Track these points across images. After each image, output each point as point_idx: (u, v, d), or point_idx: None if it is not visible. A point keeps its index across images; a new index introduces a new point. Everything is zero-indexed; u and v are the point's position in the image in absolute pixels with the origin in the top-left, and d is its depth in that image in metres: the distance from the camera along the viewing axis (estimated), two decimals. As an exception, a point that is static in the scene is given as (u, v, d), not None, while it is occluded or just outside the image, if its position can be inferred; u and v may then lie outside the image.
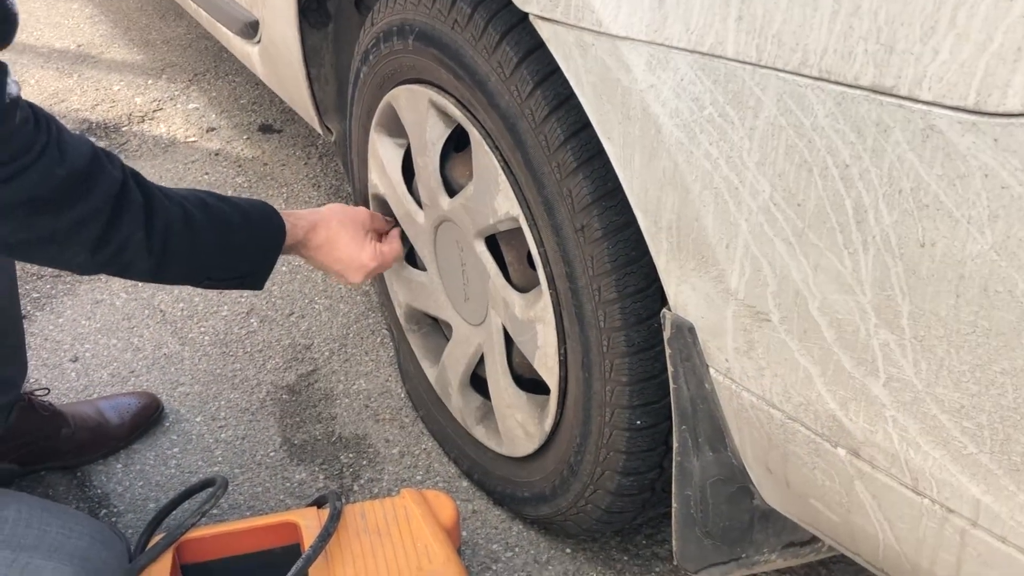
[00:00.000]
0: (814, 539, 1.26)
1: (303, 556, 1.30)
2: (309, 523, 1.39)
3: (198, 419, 1.93)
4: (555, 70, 1.19)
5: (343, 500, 1.41)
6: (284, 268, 2.38)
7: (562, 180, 1.22)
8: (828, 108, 0.84)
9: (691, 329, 1.09)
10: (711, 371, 1.10)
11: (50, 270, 2.39)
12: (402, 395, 1.98)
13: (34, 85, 3.38)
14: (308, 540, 1.34)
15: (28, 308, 2.26)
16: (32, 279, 2.35)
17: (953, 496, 0.88)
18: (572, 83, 1.12)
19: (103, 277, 2.36)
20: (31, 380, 2.02)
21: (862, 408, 0.92)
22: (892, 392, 0.89)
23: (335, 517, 1.36)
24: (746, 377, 1.04)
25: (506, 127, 1.30)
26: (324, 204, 2.62)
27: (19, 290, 2.27)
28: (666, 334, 1.13)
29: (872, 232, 0.84)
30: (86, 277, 2.37)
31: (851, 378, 0.92)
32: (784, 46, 0.86)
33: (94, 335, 2.18)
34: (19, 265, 2.38)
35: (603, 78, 1.06)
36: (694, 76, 0.95)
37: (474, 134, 1.39)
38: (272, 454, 1.85)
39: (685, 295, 1.08)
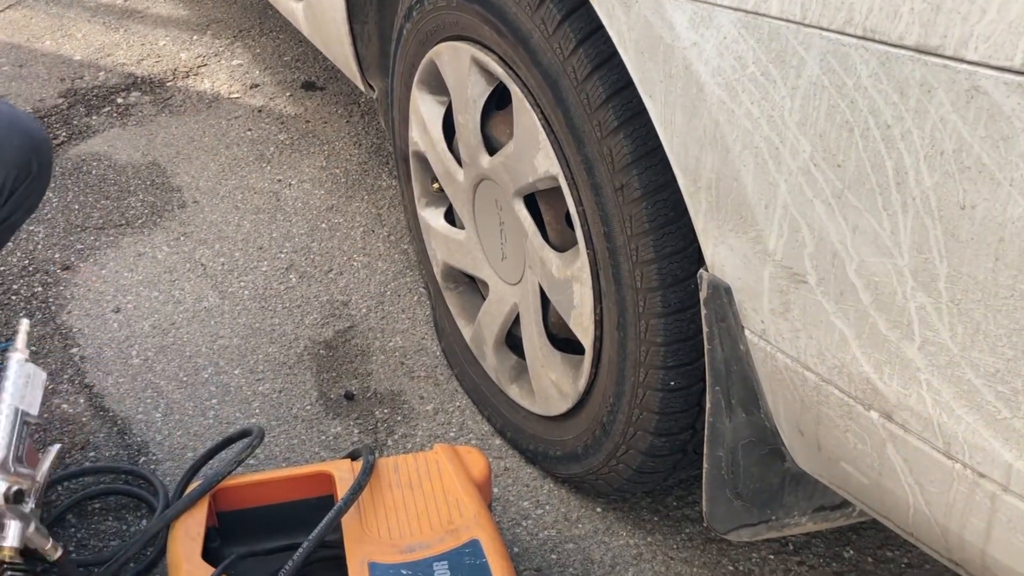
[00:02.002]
0: (844, 503, 1.26)
1: (335, 507, 1.32)
2: (343, 475, 1.40)
3: (236, 372, 1.96)
4: (598, 28, 1.19)
5: (376, 454, 1.42)
6: (324, 226, 2.40)
7: (603, 139, 1.22)
8: (871, 68, 0.83)
9: (727, 290, 1.09)
10: (746, 332, 1.10)
11: (93, 222, 2.42)
12: (437, 353, 1.99)
13: (80, 39, 3.41)
14: (342, 491, 1.36)
15: (72, 259, 2.29)
16: (76, 231, 2.38)
17: (985, 461, 0.88)
18: (615, 41, 1.12)
19: (146, 229, 2.39)
20: (74, 330, 2.05)
21: (896, 371, 0.92)
22: (927, 356, 0.89)
23: (368, 470, 1.38)
24: (781, 339, 1.05)
25: (548, 85, 1.30)
26: (365, 162, 2.64)
27: (64, 242, 2.31)
28: (702, 295, 1.14)
29: (912, 194, 0.84)
30: (129, 229, 2.40)
31: (886, 341, 0.92)
32: (829, 4, 0.85)
33: (136, 287, 2.21)
34: (64, 217, 2.42)
35: (646, 36, 1.05)
36: (737, 34, 0.95)
37: (515, 92, 1.39)
38: (308, 408, 1.87)
39: (722, 256, 1.08)
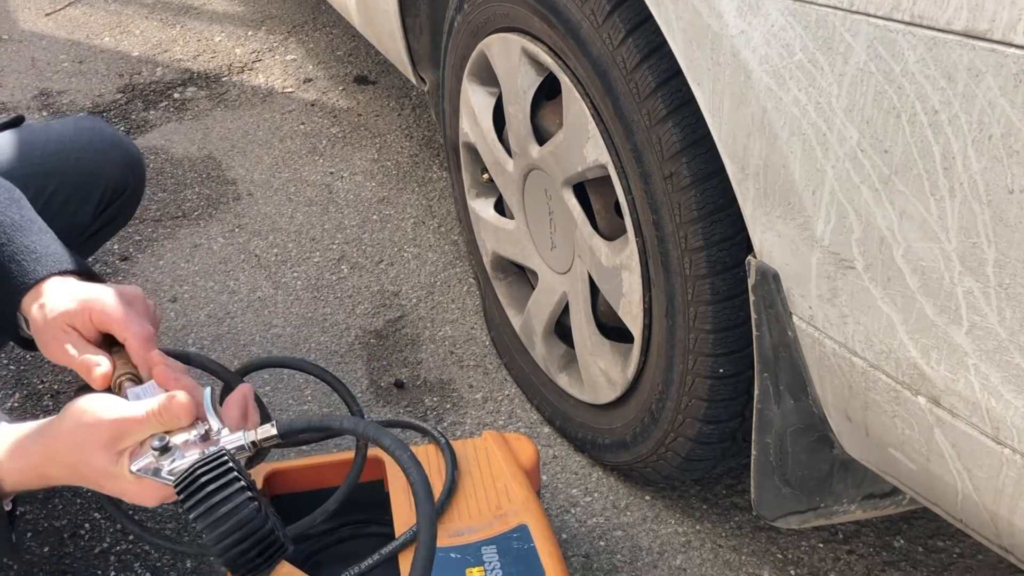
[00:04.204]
0: (894, 491, 1.26)
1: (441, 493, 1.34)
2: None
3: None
4: (647, 18, 1.20)
5: (456, 473, 1.42)
6: (375, 217, 2.43)
7: (651, 128, 1.23)
8: (919, 53, 0.84)
9: (775, 276, 1.10)
10: (794, 318, 1.10)
11: (151, 214, 2.46)
12: (487, 342, 2.01)
13: (138, 35, 3.47)
14: (392, 476, 1.38)
15: (130, 250, 2.34)
16: (134, 222, 2.43)
17: (1033, 446, 0.88)
18: (663, 30, 1.13)
19: (202, 221, 2.44)
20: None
21: (944, 356, 0.92)
22: (975, 340, 0.89)
23: (453, 462, 1.39)
24: (829, 324, 1.05)
25: (597, 75, 1.31)
26: (416, 154, 2.66)
27: (122, 233, 2.35)
28: (750, 281, 1.14)
29: (960, 179, 0.84)
30: (186, 221, 2.44)
31: (934, 326, 0.92)
32: (877, -10, 0.85)
33: (192, 277, 2.25)
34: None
35: (694, 24, 1.06)
36: (785, 22, 0.95)
37: (565, 82, 1.40)
38: (359, 395, 1.89)
39: (770, 242, 1.08)
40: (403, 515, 1.33)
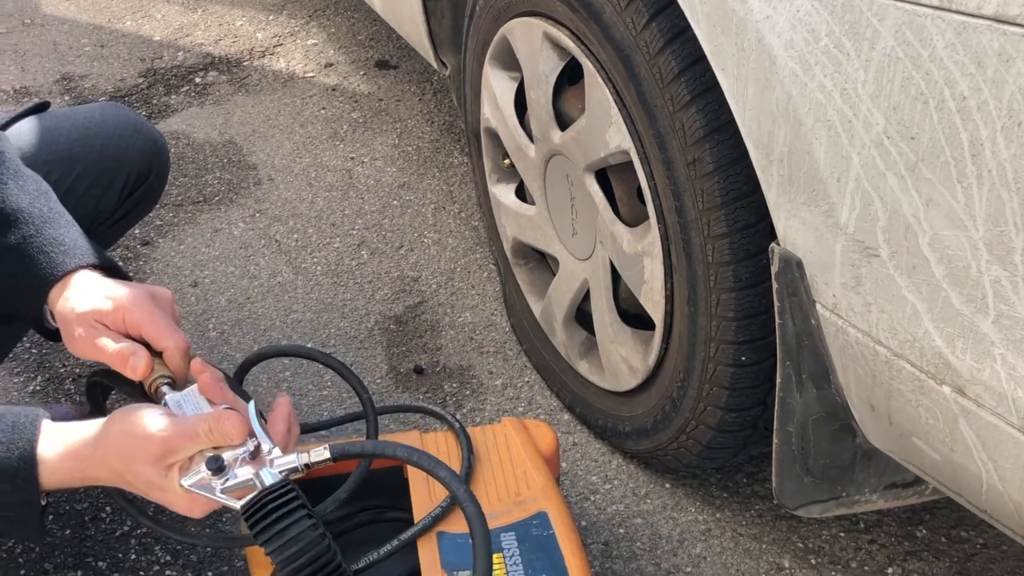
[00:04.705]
0: (916, 481, 1.25)
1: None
2: (412, 444, 1.42)
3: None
4: (671, 2, 1.19)
5: (466, 428, 1.41)
6: (396, 203, 2.43)
7: (675, 113, 1.22)
8: (948, 39, 0.82)
9: (799, 264, 1.09)
10: (817, 306, 1.09)
11: (172, 199, 2.47)
12: (507, 328, 2.01)
13: (160, 20, 3.47)
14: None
15: (151, 235, 2.34)
16: (155, 208, 2.43)
17: (1060, 437, 0.87)
18: (687, 14, 1.12)
19: (223, 206, 2.44)
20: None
21: (970, 346, 0.91)
22: (1002, 330, 0.88)
23: (469, 447, 1.38)
24: (852, 313, 1.04)
25: (620, 60, 1.30)
26: (437, 140, 2.66)
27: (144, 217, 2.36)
28: (774, 268, 1.13)
29: (988, 166, 0.83)
30: (207, 206, 2.44)
31: (959, 315, 0.91)
32: (905, -26, 0.84)
33: (213, 262, 2.25)
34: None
35: (718, 9, 1.05)
36: (811, 7, 0.94)
37: (588, 67, 1.39)
38: (379, 381, 1.89)
39: (794, 229, 1.07)
40: (422, 501, 1.33)
